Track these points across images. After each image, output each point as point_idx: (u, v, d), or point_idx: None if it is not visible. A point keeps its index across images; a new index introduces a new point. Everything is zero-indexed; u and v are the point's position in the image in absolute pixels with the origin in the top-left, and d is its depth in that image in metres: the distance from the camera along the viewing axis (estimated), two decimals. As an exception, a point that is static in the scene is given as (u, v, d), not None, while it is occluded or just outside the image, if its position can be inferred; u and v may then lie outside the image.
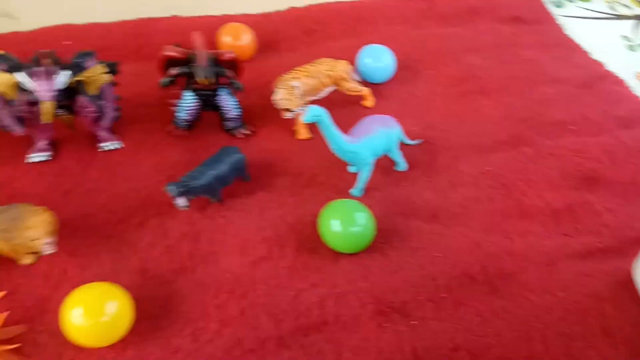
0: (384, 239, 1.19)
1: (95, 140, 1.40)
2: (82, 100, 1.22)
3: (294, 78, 1.38)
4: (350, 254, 1.16)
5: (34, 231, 1.03)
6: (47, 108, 1.15)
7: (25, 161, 1.32)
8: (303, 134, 1.46)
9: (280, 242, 1.17)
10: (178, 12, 1.80)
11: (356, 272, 1.13)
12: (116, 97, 1.33)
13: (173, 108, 1.39)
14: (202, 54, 1.25)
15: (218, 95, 1.37)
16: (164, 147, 1.40)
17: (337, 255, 1.16)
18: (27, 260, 1.12)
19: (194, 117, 1.40)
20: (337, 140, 1.18)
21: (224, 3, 1.79)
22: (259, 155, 1.39)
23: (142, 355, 0.98)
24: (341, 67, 1.46)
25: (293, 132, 1.47)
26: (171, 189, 1.14)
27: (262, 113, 1.54)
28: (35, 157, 1.32)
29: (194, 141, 1.43)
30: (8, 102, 1.22)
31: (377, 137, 1.26)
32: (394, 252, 1.17)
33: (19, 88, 1.18)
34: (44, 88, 1.15)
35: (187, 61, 1.29)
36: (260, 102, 1.55)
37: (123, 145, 1.40)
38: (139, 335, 1.01)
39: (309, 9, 1.86)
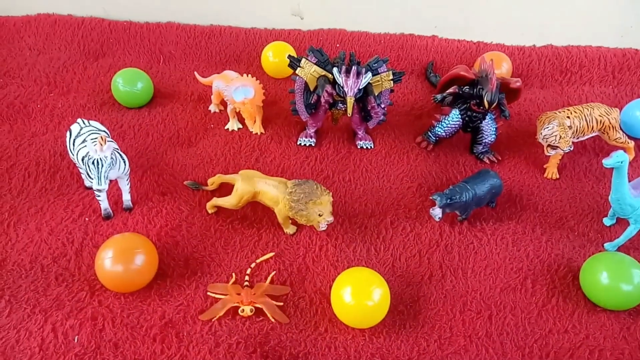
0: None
1: (352, 137, 1.53)
2: (372, 101, 1.34)
3: (567, 117, 1.35)
4: (610, 310, 1.09)
5: (322, 208, 1.15)
6: (350, 103, 1.29)
7: (297, 143, 1.49)
8: (553, 173, 1.42)
9: (533, 277, 1.15)
10: (438, 33, 1.89)
11: (616, 330, 1.06)
12: (389, 103, 1.44)
13: (434, 122, 1.45)
14: (494, 79, 1.28)
15: (484, 119, 1.39)
16: (413, 156, 1.47)
17: (594, 307, 1.10)
18: (291, 230, 1.26)
19: (449, 135, 1.45)
20: (623, 190, 1.12)
21: (483, 30, 1.83)
22: (504, 185, 1.39)
23: (389, 347, 1.03)
24: (614, 115, 1.39)
25: (541, 169, 1.44)
26: (438, 199, 1.19)
27: (507, 143, 1.54)
28: (304, 141, 1.49)
29: (442, 157, 1.48)
30: (306, 91, 1.40)
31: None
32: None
33: (323, 81, 1.34)
34: (352, 85, 1.29)
35: (473, 83, 1.34)
36: (506, 132, 1.55)
37: (373, 147, 1.51)
38: (388, 326, 1.07)
39: (569, 49, 1.81)
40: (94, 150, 1.11)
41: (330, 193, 1.16)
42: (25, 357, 0.98)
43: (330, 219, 1.15)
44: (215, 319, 1.05)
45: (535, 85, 1.75)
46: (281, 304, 1.10)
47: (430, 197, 1.22)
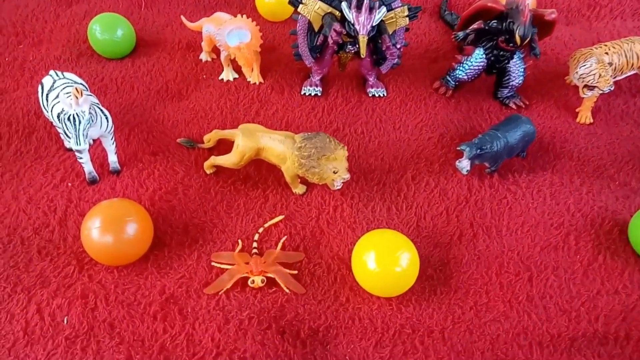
0: None
1: (361, 84, 1.37)
2: (387, 40, 1.17)
3: (605, 53, 1.20)
4: (662, 267, 0.98)
5: (337, 164, 1.01)
6: (363, 42, 1.13)
7: (301, 93, 1.33)
8: (587, 117, 1.28)
9: (576, 233, 1.03)
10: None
11: (670, 289, 0.95)
12: (405, 43, 1.27)
13: (454, 64, 1.29)
14: (526, 11, 1.11)
15: (511, 59, 1.24)
16: (431, 103, 1.32)
17: (644, 264, 0.99)
18: (300, 190, 1.12)
19: (471, 78, 1.29)
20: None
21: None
22: (534, 132, 1.26)
23: (420, 316, 0.92)
24: (657, 50, 1.24)
25: (573, 113, 1.30)
26: (467, 150, 1.05)
27: (534, 86, 1.39)
28: (309, 90, 1.32)
29: (463, 104, 1.33)
30: (310, 32, 1.23)
31: None
32: None
33: (330, 19, 1.16)
34: (364, 22, 1.12)
35: (502, 16, 1.17)
36: (532, 74, 1.40)
37: (386, 95, 1.35)
38: (417, 293, 0.95)
39: (598, -21, 1.63)
40: (68, 105, 0.95)
41: (345, 147, 1.02)
42: (8, 343, 0.85)
43: (347, 175, 1.01)
44: (222, 292, 0.93)
45: (561, 21, 1.57)
46: (295, 272, 0.97)
47: (458, 148, 1.08)
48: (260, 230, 1.02)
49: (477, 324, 0.91)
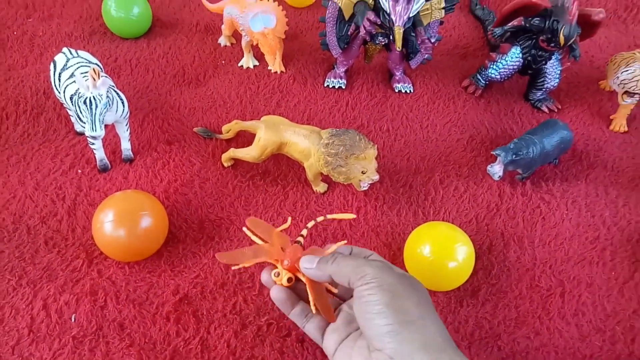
0: None
1: (387, 79, 1.31)
2: (422, 32, 1.10)
3: (650, 58, 1.14)
4: (702, 289, 0.93)
5: (367, 164, 0.95)
6: (399, 34, 1.06)
7: (324, 85, 1.27)
8: (621, 125, 1.22)
9: (612, 248, 0.98)
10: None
11: None
12: (439, 37, 1.21)
13: (487, 63, 1.23)
14: (573, 9, 1.05)
15: (549, 59, 1.17)
16: (460, 102, 1.26)
17: (684, 285, 0.94)
18: (322, 189, 1.07)
19: (504, 78, 1.23)
20: None
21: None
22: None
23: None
24: (701, 56, 1.18)
25: (607, 121, 1.24)
26: (502, 154, 1.00)
27: (567, 89, 1.33)
28: (333, 82, 1.26)
29: (493, 105, 1.27)
30: (339, 20, 1.16)
31: None
32: None
33: (363, 7, 1.09)
34: (401, 12, 1.05)
35: (545, 13, 1.11)
36: (565, 77, 1.34)
37: (413, 91, 1.29)
38: (442, 304, 0.90)
39: (637, -20, 1.56)
40: (85, 87, 0.89)
41: (376, 146, 0.96)
42: (12, 341, 0.80)
43: (376, 177, 0.95)
44: (236, 267, 0.67)
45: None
46: (336, 291, 0.65)
47: (492, 152, 1.03)
48: (320, 219, 0.70)
49: (505, 339, 0.86)
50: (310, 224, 0.70)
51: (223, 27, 1.33)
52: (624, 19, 1.53)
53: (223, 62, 1.32)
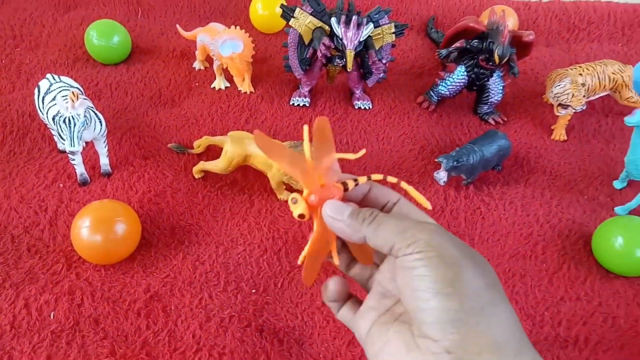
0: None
1: (348, 97, 1.43)
2: (373, 55, 1.23)
3: (579, 74, 1.26)
4: (623, 277, 1.03)
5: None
6: (350, 56, 1.18)
7: (290, 103, 1.39)
8: (561, 134, 1.34)
9: (543, 243, 1.08)
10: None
11: (629, 297, 1.00)
12: (391, 58, 1.33)
13: (437, 80, 1.35)
14: (505, 32, 1.18)
15: (491, 77, 1.30)
16: (414, 117, 1.38)
17: (607, 274, 1.04)
18: (285, 196, 1.16)
19: (453, 94, 1.35)
20: (642, 150, 1.05)
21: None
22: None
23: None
24: (628, 73, 1.30)
25: (548, 131, 1.36)
26: (445, 161, 1.11)
27: (513, 103, 1.45)
28: (297, 101, 1.38)
29: (444, 118, 1.38)
30: (300, 45, 1.28)
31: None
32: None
33: (320, 33, 1.22)
34: (352, 37, 1.17)
35: (483, 36, 1.24)
36: (511, 92, 1.47)
37: (372, 107, 1.41)
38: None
39: (577, 4, 1.70)
40: (64, 108, 1.00)
41: (330, 155, 1.06)
42: (-4, 336, 0.89)
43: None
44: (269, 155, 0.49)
45: (541, 42, 1.65)
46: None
47: (436, 160, 1.14)
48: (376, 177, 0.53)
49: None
50: (364, 179, 0.52)
51: (197, 52, 1.45)
52: (566, 39, 1.67)
53: (196, 84, 1.44)
